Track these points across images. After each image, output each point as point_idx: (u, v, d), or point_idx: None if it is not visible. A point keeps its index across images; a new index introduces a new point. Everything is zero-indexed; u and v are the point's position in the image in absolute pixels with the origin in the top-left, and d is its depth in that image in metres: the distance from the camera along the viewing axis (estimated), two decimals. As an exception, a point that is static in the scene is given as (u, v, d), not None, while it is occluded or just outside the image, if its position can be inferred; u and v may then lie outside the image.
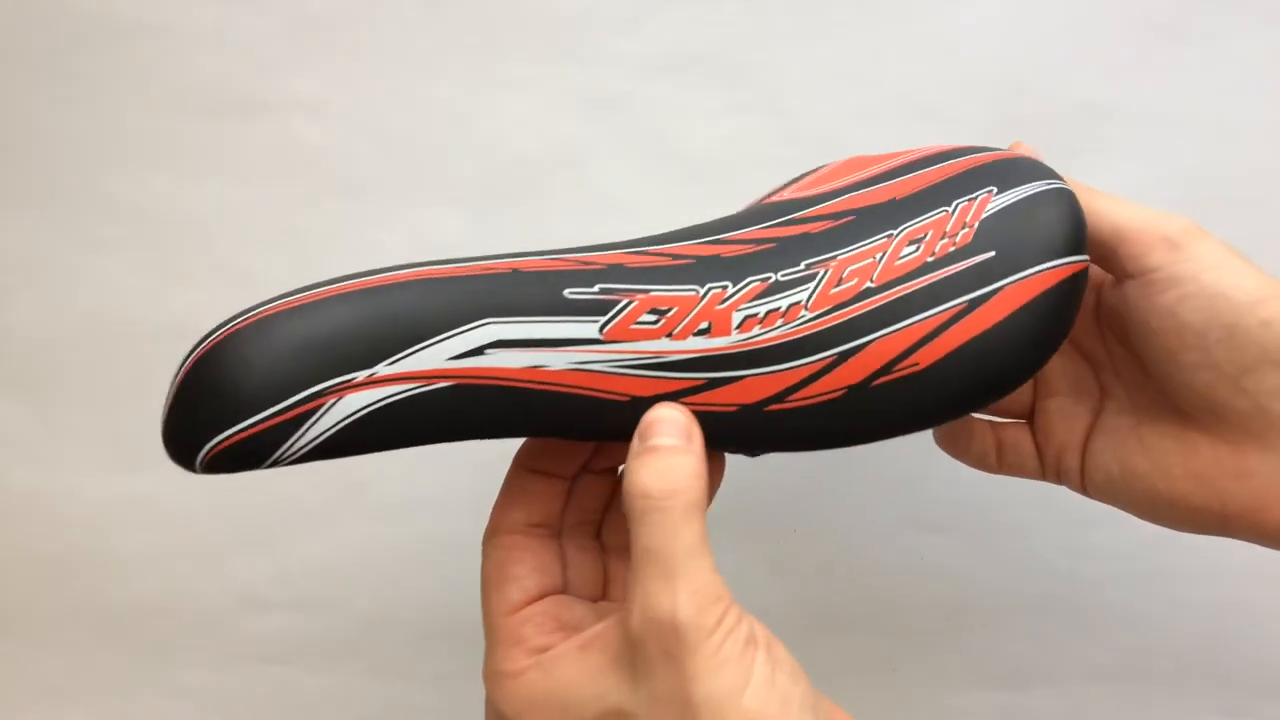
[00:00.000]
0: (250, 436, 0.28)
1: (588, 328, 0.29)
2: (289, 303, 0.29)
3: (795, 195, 0.34)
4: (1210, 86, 0.45)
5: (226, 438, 0.28)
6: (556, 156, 0.47)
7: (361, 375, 0.28)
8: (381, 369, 0.28)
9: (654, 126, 0.47)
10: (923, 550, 0.48)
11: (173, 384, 0.29)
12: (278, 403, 0.28)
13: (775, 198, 0.34)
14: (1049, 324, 0.30)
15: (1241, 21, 0.45)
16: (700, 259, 0.31)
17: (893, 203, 0.31)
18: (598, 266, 0.30)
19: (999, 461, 0.36)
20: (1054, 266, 0.30)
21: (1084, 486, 0.35)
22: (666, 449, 0.28)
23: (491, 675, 0.31)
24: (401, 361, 0.28)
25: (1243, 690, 0.48)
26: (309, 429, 0.28)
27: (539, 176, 0.47)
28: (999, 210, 0.30)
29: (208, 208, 0.48)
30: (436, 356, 0.29)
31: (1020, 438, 0.36)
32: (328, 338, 0.28)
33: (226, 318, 0.29)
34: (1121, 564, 0.48)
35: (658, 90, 0.46)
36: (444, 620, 0.50)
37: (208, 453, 0.28)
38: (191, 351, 0.29)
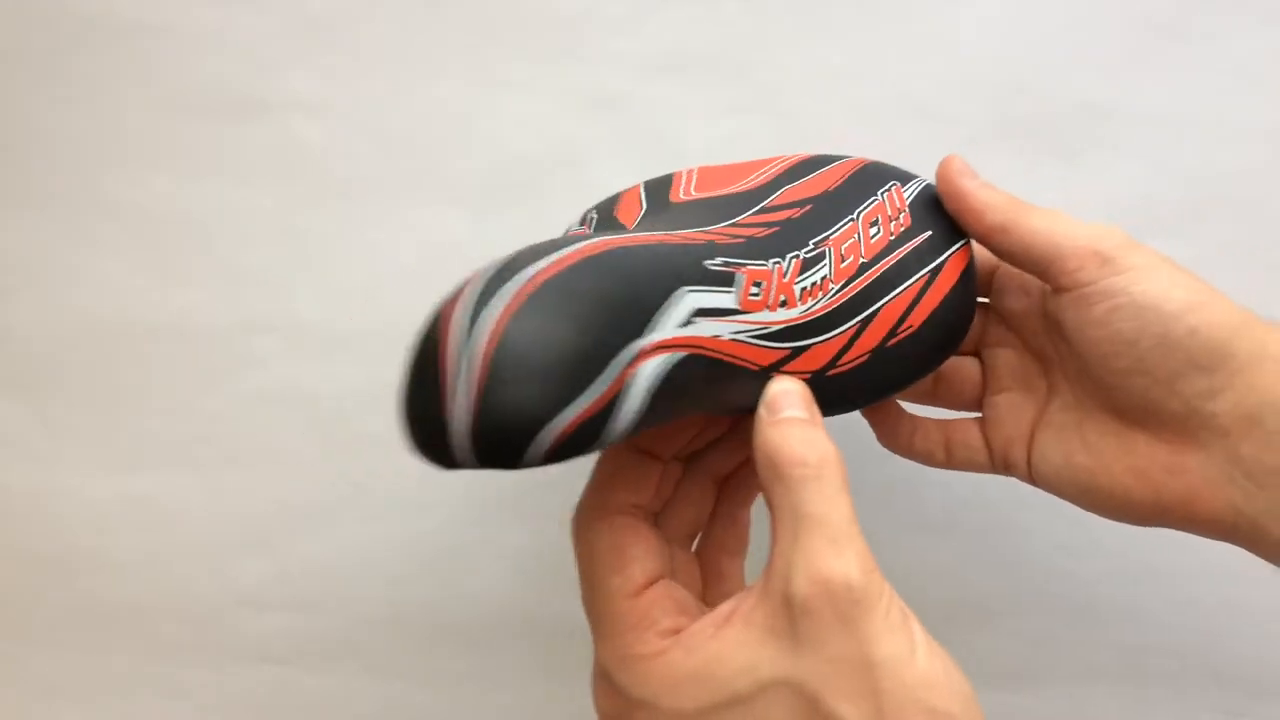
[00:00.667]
0: (582, 423, 0.25)
1: (729, 298, 0.30)
2: (547, 271, 0.26)
3: (724, 192, 0.36)
4: (1210, 86, 0.45)
5: (561, 430, 0.25)
6: (556, 156, 0.47)
7: (644, 344, 0.27)
8: (653, 336, 0.27)
9: (654, 126, 0.47)
10: (923, 550, 0.48)
11: (464, 369, 0.25)
12: (595, 379, 0.25)
13: (685, 198, 0.36)
14: (973, 289, 0.36)
15: (1241, 21, 0.45)
16: (749, 240, 0.32)
17: (829, 194, 0.35)
18: (699, 242, 0.31)
19: (948, 457, 0.38)
20: (964, 244, 0.35)
21: (1030, 478, 0.36)
22: (804, 421, 0.29)
23: (621, 660, 0.29)
24: (659, 328, 0.27)
25: (1243, 690, 0.48)
26: (625, 406, 0.26)
27: (539, 176, 0.47)
28: (913, 199, 0.36)
29: (208, 208, 0.48)
30: (672, 323, 0.28)
31: (970, 433, 0.38)
32: (608, 302, 0.26)
33: (478, 287, 0.25)
34: (1121, 564, 0.48)
35: (658, 90, 0.46)
36: (444, 620, 0.50)
37: (543, 450, 0.25)
38: (470, 328, 0.25)
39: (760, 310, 0.31)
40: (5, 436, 0.50)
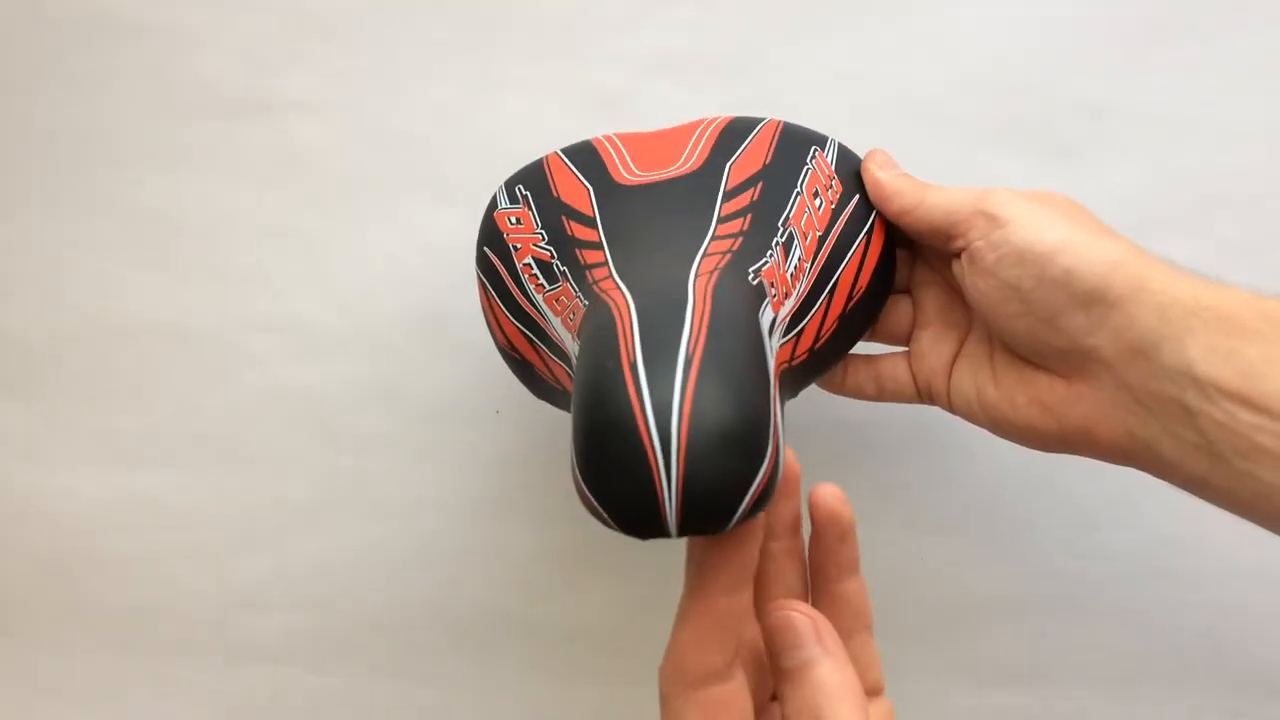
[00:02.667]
0: (766, 484, 0.26)
1: (769, 312, 0.32)
2: (699, 336, 0.27)
3: (672, 173, 0.37)
4: (1210, 86, 0.45)
5: (753, 493, 0.26)
6: (556, 156, 0.47)
7: (774, 385, 0.29)
8: (773, 373, 0.30)
9: (654, 126, 0.47)
10: (923, 551, 0.48)
11: (666, 449, 0.25)
12: (766, 443, 0.26)
13: (633, 179, 0.37)
14: (894, 239, 0.39)
15: (1241, 21, 0.45)
16: (745, 239, 0.34)
17: (769, 167, 0.37)
18: (734, 254, 0.33)
19: (879, 390, 0.41)
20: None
21: (950, 408, 0.39)
22: (827, 672, 0.29)
23: None
24: (770, 365, 0.30)
25: (1243, 690, 0.48)
26: (780, 453, 0.28)
27: (539, 176, 0.47)
28: (836, 164, 0.38)
29: (208, 208, 0.48)
30: (772, 356, 0.31)
31: (897, 367, 0.40)
32: (750, 360, 0.28)
33: (615, 357, 0.27)
34: (1121, 564, 0.48)
35: (658, 90, 0.46)
36: (444, 620, 0.50)
37: (740, 515, 0.26)
38: (651, 415, 0.25)
39: (778, 309, 0.33)
40: (5, 436, 0.50)
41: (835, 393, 0.42)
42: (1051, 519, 0.48)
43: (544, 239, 0.37)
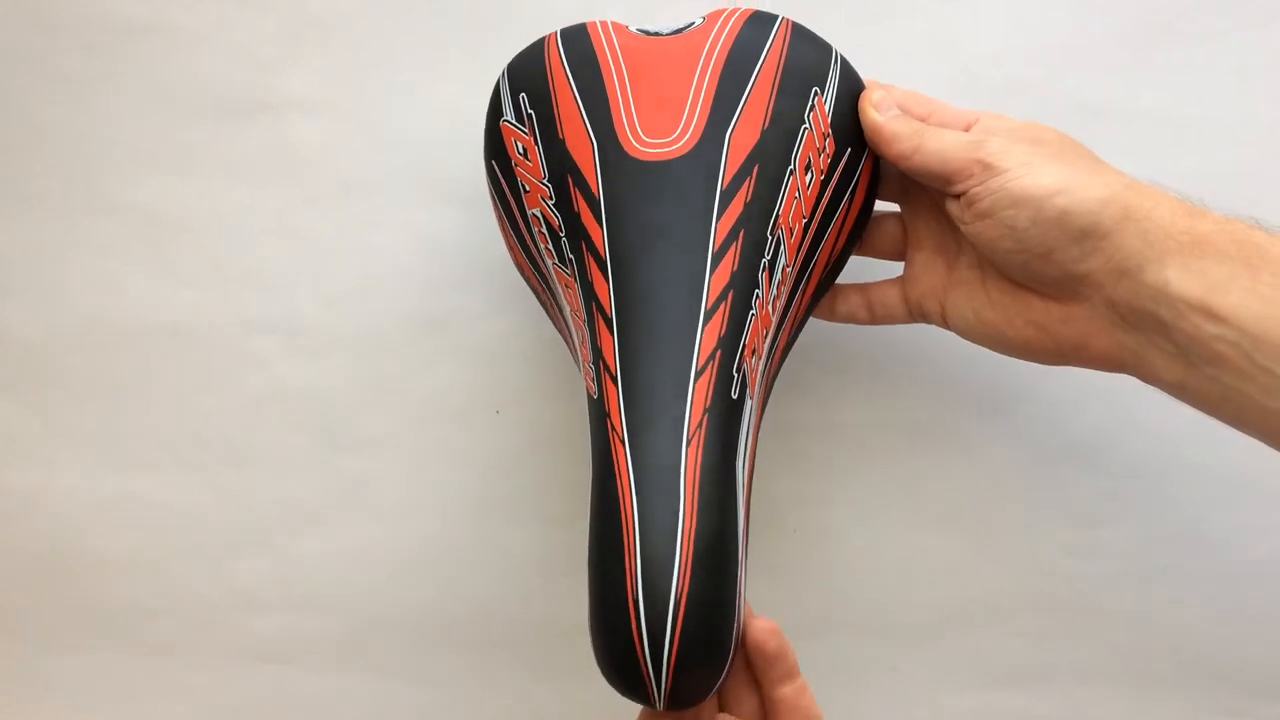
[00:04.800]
0: (736, 648, 0.34)
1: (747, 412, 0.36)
2: (685, 585, 0.32)
3: (675, 147, 0.37)
4: (1210, 86, 0.45)
5: (730, 664, 0.33)
6: (556, 156, 0.47)
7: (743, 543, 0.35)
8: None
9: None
10: (922, 550, 0.48)
11: (659, 658, 0.31)
12: (736, 621, 0.33)
13: (637, 150, 0.37)
14: (879, 174, 0.41)
15: (1241, 21, 0.45)
16: (733, 275, 0.36)
17: (766, 135, 0.37)
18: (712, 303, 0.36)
19: (870, 315, 0.43)
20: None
21: (946, 327, 0.41)
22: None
23: None
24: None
25: (1243, 690, 0.48)
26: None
27: (539, 176, 0.47)
28: (833, 113, 0.39)
29: (208, 208, 0.48)
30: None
31: (888, 292, 0.42)
32: (731, 550, 0.33)
33: (618, 576, 0.32)
34: (1122, 564, 0.47)
35: (657, 90, 0.46)
36: (443, 620, 0.50)
37: (719, 686, 0.34)
38: (645, 619, 0.31)
39: (763, 330, 0.37)
40: (5, 436, 0.50)
41: (828, 319, 0.43)
42: (1051, 519, 0.48)
43: (551, 195, 0.38)
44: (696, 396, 0.34)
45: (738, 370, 0.35)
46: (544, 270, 0.40)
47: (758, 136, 0.37)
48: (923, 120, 0.39)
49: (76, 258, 0.49)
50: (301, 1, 0.47)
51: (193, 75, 0.48)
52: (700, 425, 0.33)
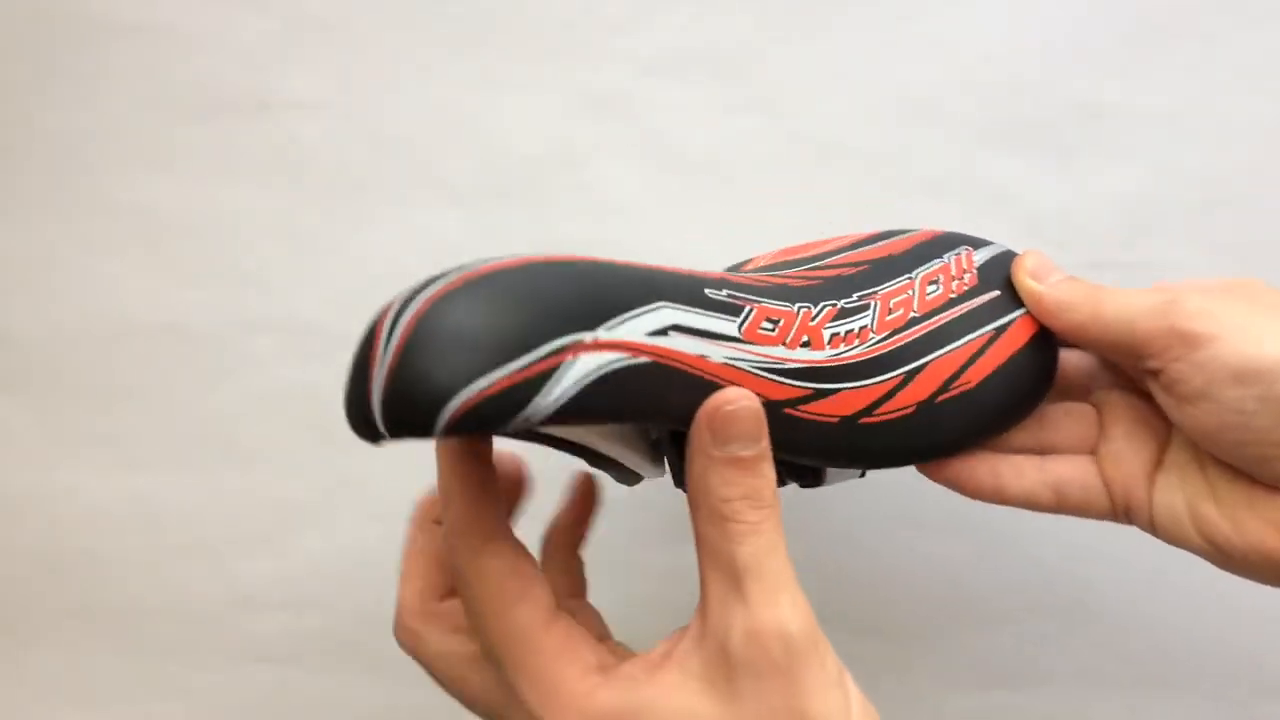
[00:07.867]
0: (501, 391, 0.25)
1: (729, 325, 0.30)
2: (494, 265, 0.26)
3: (785, 258, 0.36)
4: (1210, 86, 0.45)
5: (478, 392, 0.24)
6: (556, 156, 0.47)
7: (588, 337, 0.26)
8: (602, 333, 0.27)
9: (654, 126, 0.47)
10: (923, 550, 0.48)
11: (388, 343, 0.26)
12: (521, 355, 0.25)
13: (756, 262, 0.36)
14: (1050, 352, 0.35)
15: (1241, 21, 0.45)
16: (778, 285, 0.33)
17: (892, 258, 0.35)
18: (708, 276, 0.31)
19: (1058, 500, 0.34)
20: None
21: (1153, 528, 0.33)
22: (751, 460, 0.27)
23: (547, 697, 0.27)
24: (616, 329, 0.27)
25: (1243, 690, 0.48)
26: (553, 387, 0.26)
27: (538, 176, 0.47)
28: (984, 262, 0.36)
29: (207, 208, 0.48)
30: (637, 330, 0.28)
31: (1086, 471, 0.34)
32: (554, 294, 0.26)
33: (421, 282, 0.27)
34: (1122, 564, 0.47)
35: (658, 90, 0.46)
36: (444, 620, 0.50)
37: (456, 411, 0.24)
38: (399, 312, 0.26)
39: (773, 345, 0.31)
40: (5, 436, 0.50)
41: (991, 500, 0.36)
42: (1051, 519, 0.48)
43: None
44: None
45: (733, 298, 0.31)
46: None
47: (879, 256, 0.35)
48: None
49: (76, 258, 0.49)
50: (301, 1, 0.47)
51: (192, 75, 0.48)
52: None
